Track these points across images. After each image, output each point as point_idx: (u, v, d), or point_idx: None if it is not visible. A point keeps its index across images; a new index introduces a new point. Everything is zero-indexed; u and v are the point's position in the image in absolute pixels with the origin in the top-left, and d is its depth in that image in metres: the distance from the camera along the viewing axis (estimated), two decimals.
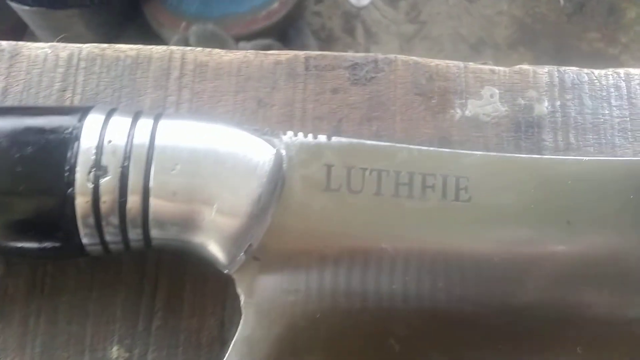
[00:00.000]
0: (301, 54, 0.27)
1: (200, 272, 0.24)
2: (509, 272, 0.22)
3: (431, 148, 0.24)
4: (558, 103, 0.27)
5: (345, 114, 0.26)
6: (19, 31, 0.88)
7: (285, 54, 0.27)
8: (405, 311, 0.22)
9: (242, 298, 0.21)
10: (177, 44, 0.78)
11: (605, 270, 0.23)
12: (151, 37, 0.86)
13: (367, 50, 0.90)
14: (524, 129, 0.26)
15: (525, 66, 0.27)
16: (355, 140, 0.23)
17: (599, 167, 0.24)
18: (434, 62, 0.27)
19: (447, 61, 0.27)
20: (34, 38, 0.88)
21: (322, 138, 0.23)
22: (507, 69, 0.27)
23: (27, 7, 0.74)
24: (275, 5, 0.80)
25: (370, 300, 0.22)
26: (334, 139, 0.23)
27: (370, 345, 0.22)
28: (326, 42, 0.89)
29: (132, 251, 0.22)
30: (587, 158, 0.25)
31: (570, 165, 0.24)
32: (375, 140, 0.26)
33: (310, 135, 0.23)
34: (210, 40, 0.77)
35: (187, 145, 0.21)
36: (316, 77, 0.27)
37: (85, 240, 0.21)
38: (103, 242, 0.21)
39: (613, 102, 0.27)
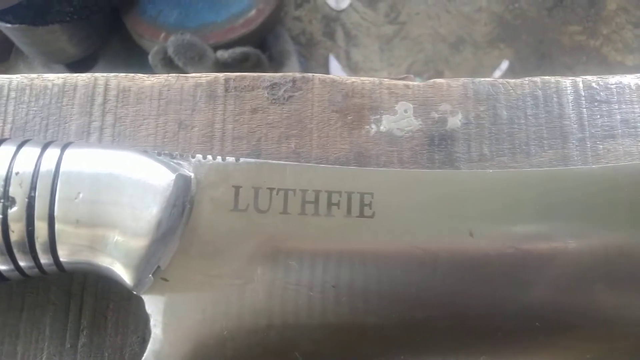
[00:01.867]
0: (221, 75, 0.28)
1: (123, 290, 0.25)
2: (410, 285, 0.23)
3: (337, 166, 0.24)
4: (472, 115, 0.27)
5: (264, 133, 0.27)
6: (7, 48, 0.90)
7: (206, 77, 0.28)
8: (310, 326, 0.23)
9: (151, 318, 0.22)
10: (156, 54, 0.79)
11: (516, 279, 0.23)
12: (134, 48, 0.87)
13: (348, 53, 0.90)
14: (437, 142, 0.27)
15: (439, 80, 0.27)
16: (262, 161, 0.24)
17: (504, 179, 0.24)
18: (350, 79, 0.27)
19: (363, 78, 0.27)
20: (21, 54, 0.90)
21: (231, 160, 0.24)
22: (421, 84, 0.27)
23: (9, 25, 0.75)
24: (253, 13, 0.81)
25: (276, 317, 0.23)
26: (242, 160, 0.24)
27: None
28: (307, 46, 0.90)
29: (50, 275, 0.23)
30: (492, 170, 0.25)
31: (475, 177, 0.24)
32: (294, 157, 0.27)
33: (219, 158, 0.24)
34: (188, 50, 0.78)
35: (90, 173, 0.22)
36: (236, 97, 0.27)
37: (0, 267, 0.22)
38: (18, 268, 0.22)
39: (529, 111, 0.27)
